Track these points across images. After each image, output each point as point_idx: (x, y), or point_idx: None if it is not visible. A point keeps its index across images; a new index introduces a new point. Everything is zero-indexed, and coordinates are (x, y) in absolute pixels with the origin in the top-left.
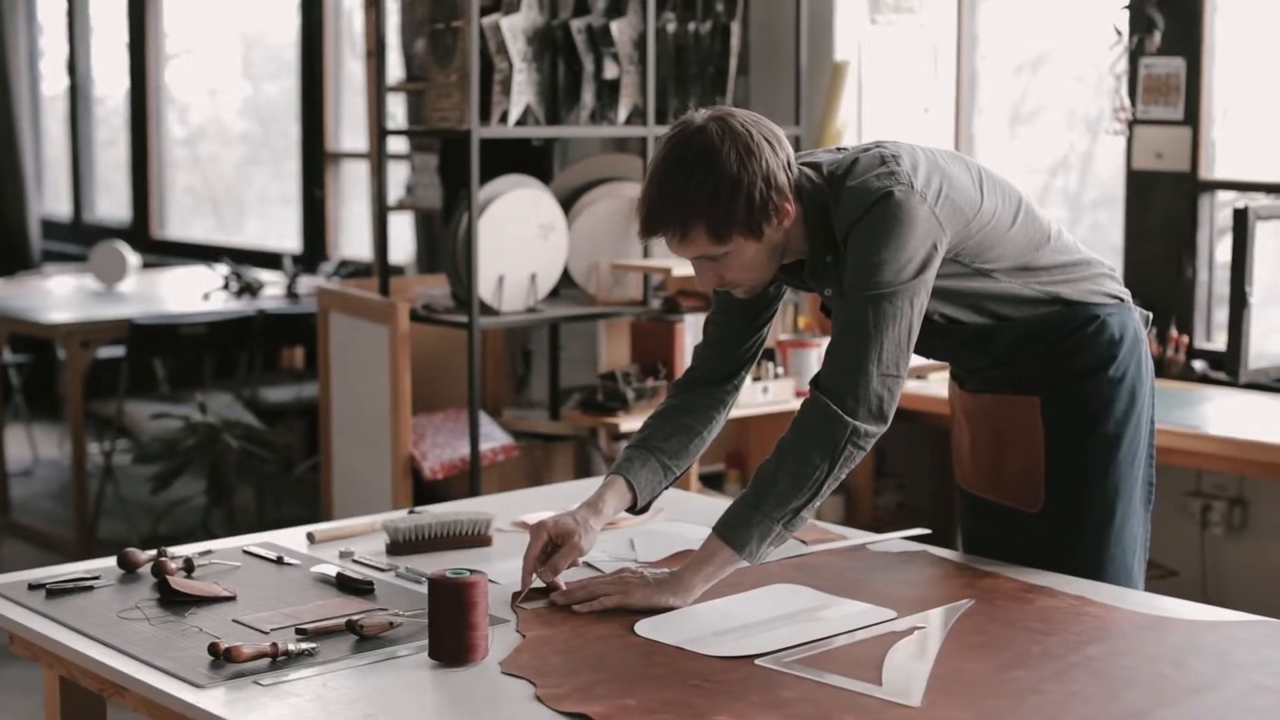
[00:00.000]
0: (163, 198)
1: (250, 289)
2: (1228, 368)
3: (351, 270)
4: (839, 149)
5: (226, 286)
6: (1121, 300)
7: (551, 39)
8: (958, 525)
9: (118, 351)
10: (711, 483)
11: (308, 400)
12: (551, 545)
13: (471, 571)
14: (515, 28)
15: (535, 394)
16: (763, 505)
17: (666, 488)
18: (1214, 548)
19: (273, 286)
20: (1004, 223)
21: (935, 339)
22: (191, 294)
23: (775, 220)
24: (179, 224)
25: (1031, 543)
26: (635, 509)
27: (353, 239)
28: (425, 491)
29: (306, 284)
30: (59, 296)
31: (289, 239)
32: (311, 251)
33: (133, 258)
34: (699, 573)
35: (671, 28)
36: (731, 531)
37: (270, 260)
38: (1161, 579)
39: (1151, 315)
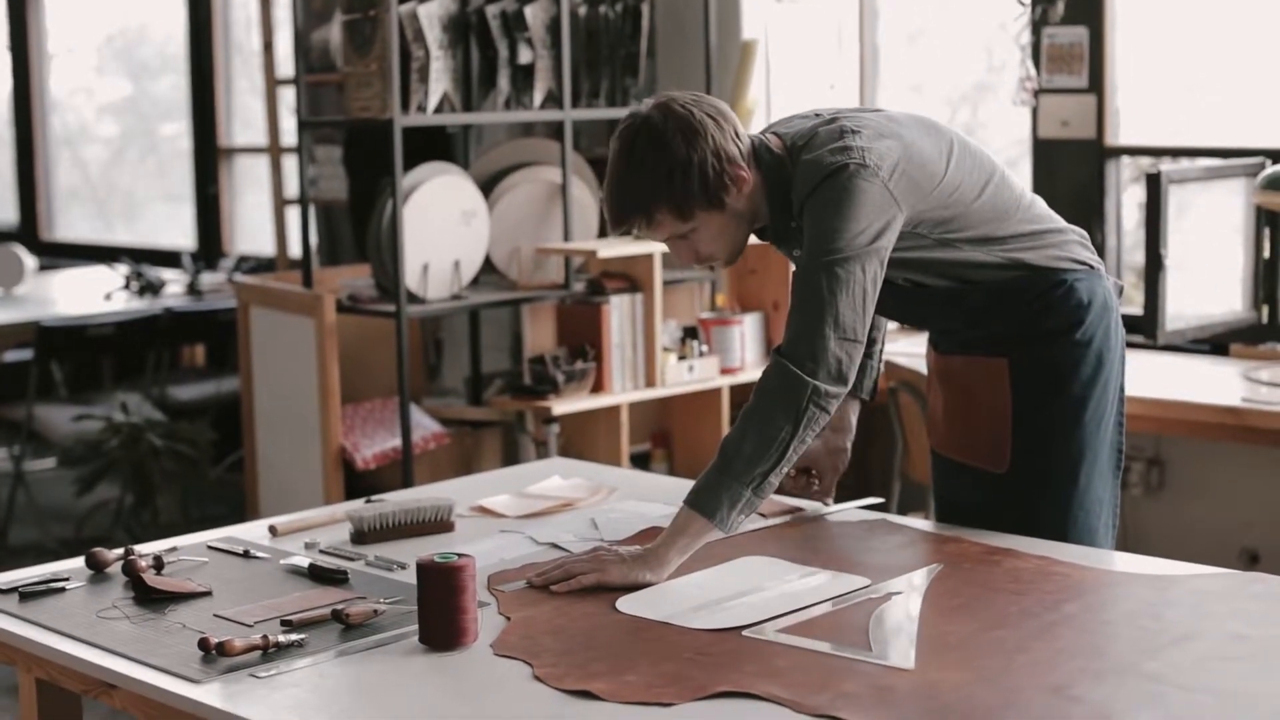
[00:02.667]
0: (49, 199)
1: (152, 288)
2: (1145, 330)
3: (252, 265)
4: (815, 114)
5: (128, 286)
6: (1092, 267)
7: (466, 25)
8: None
9: (25, 355)
10: (639, 462)
11: (224, 396)
12: (797, 472)
13: (458, 555)
14: (432, 15)
15: (448, 381)
16: (730, 472)
17: (877, 369)
18: (1133, 507)
19: (174, 285)
20: (969, 194)
21: (906, 303)
22: (90, 295)
23: (734, 189)
24: (66, 225)
25: (999, 504)
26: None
27: (250, 235)
28: (356, 483)
29: (209, 281)
30: None
31: (183, 237)
32: (208, 248)
33: (30, 260)
34: (673, 546)
35: (583, 11)
36: (702, 501)
37: (166, 258)
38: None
39: (1124, 286)
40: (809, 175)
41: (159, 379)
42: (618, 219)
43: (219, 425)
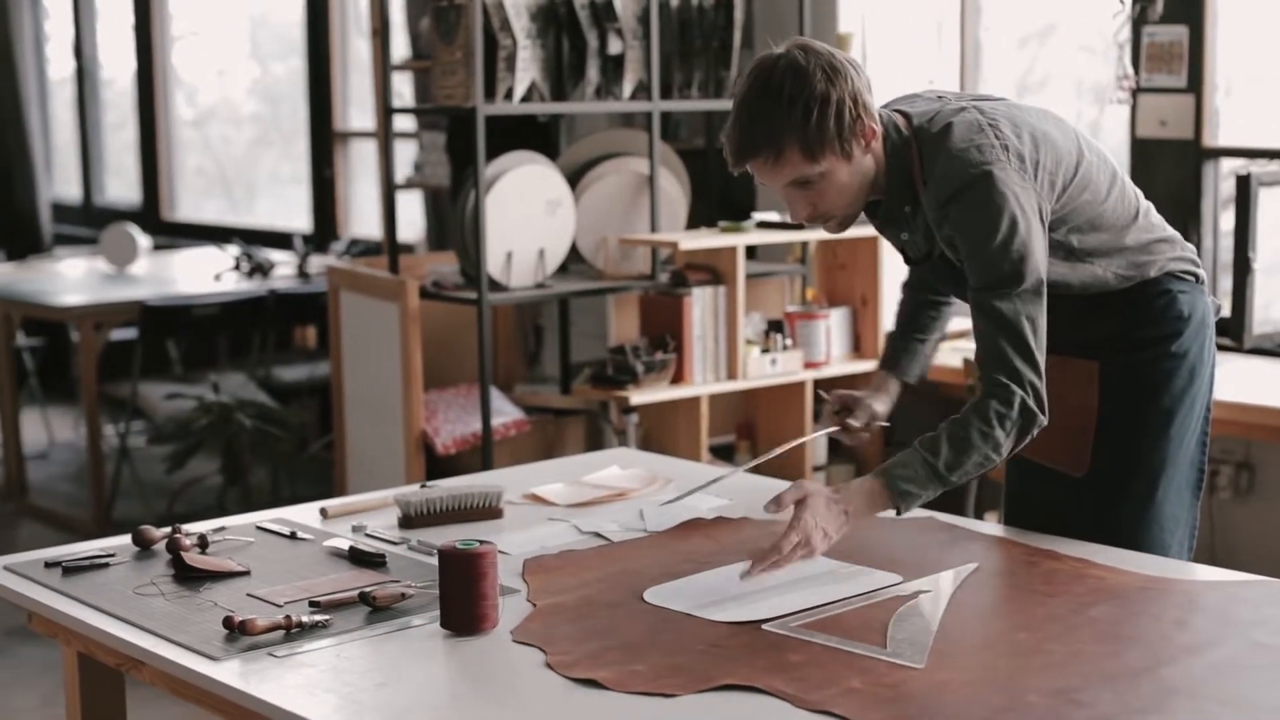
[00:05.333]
0: (172, 179)
1: (261, 269)
2: (1232, 334)
3: (362, 249)
4: (939, 96)
5: (238, 267)
6: (1197, 279)
7: (555, 15)
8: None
9: (131, 334)
10: (722, 453)
11: (320, 379)
12: (840, 406)
13: (481, 543)
14: (519, 4)
15: (547, 369)
16: (938, 478)
17: (930, 357)
18: (1221, 512)
19: (284, 266)
20: (1099, 193)
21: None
22: (203, 275)
23: (863, 141)
24: (189, 205)
25: (1073, 508)
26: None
27: (363, 218)
28: (438, 467)
29: (317, 263)
30: (71, 280)
31: (299, 219)
32: (322, 231)
33: (143, 240)
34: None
35: (675, 2)
36: (903, 496)
37: (281, 240)
38: None
39: (1221, 306)
40: (953, 173)
41: (265, 359)
42: (743, 152)
43: (323, 406)
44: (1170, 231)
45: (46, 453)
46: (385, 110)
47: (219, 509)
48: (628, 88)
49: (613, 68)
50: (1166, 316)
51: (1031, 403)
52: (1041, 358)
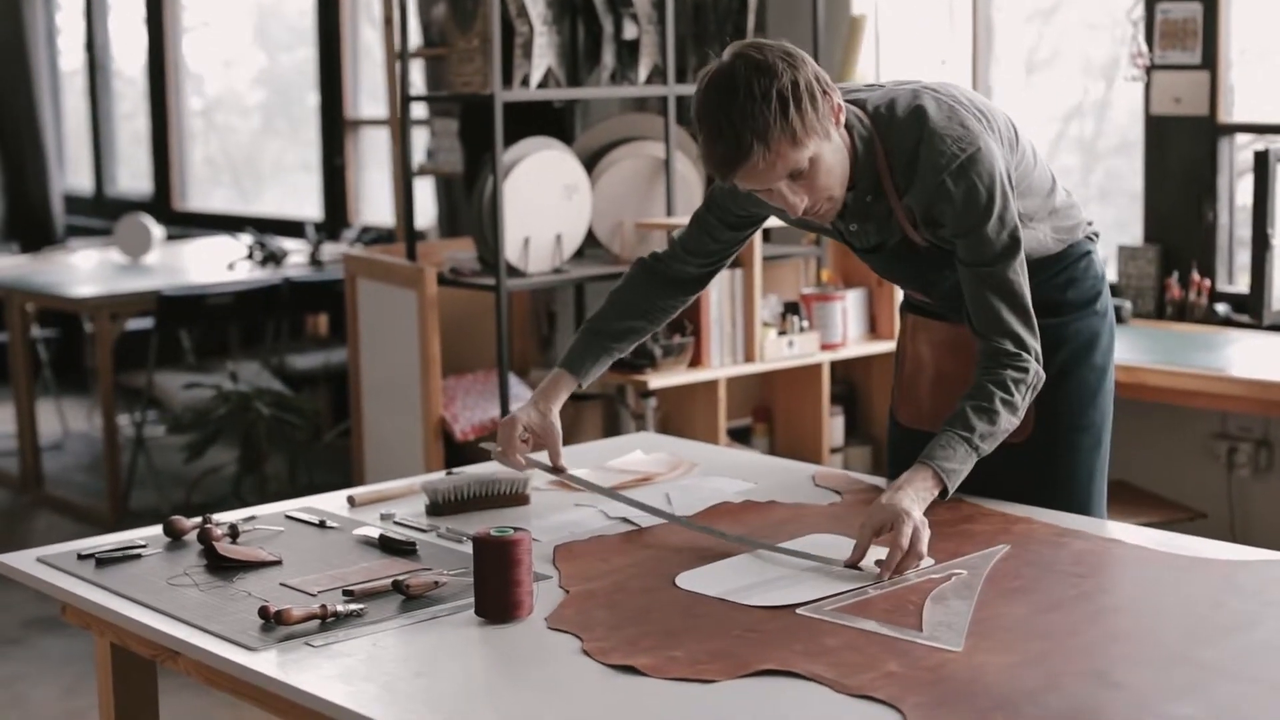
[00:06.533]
0: (183, 169)
1: (274, 258)
2: (1251, 310)
3: (374, 236)
4: (871, 86)
5: (251, 256)
6: (1097, 237)
7: (570, 1)
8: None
9: (146, 324)
10: (739, 437)
11: (335, 367)
12: (528, 434)
13: (515, 529)
14: None
15: (560, 354)
16: (973, 446)
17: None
18: (1241, 489)
19: (296, 255)
20: (1028, 157)
21: (922, 268)
22: (216, 264)
23: (834, 119)
24: (199, 195)
25: (1015, 471)
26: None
27: (374, 205)
28: (456, 453)
29: (330, 251)
30: (84, 271)
31: (310, 207)
32: (333, 219)
33: (157, 230)
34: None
35: None
36: (949, 473)
37: (293, 229)
38: (1190, 521)
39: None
40: (945, 152)
41: (278, 348)
42: (735, 157)
43: (337, 394)
44: (1074, 196)
45: (61, 443)
46: (404, 98)
47: (236, 498)
48: (643, 72)
49: (628, 53)
50: (1089, 276)
51: (1039, 365)
52: (1033, 316)
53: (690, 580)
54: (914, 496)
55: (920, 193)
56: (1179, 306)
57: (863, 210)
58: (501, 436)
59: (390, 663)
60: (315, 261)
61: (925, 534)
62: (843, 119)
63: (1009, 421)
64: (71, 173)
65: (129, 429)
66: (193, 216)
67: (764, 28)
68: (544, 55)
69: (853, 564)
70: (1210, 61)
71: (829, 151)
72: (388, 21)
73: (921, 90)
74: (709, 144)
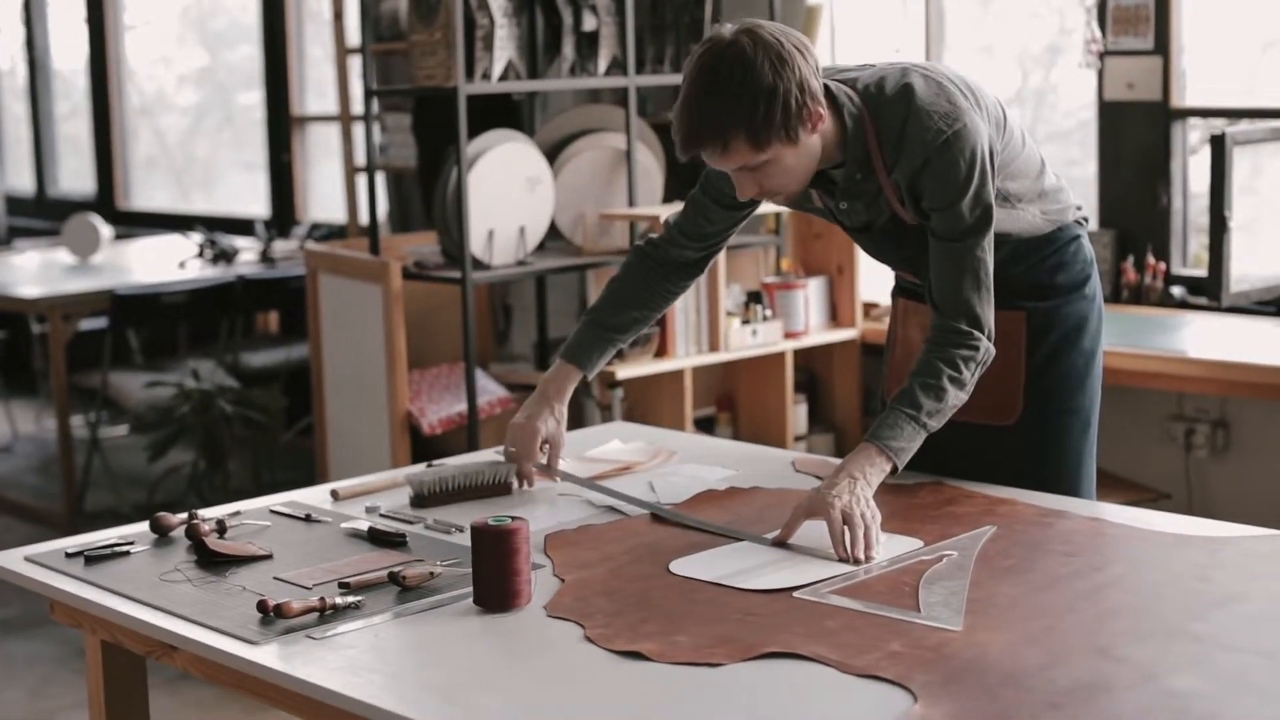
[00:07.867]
0: (126, 169)
1: (226, 255)
2: (1209, 292)
3: (324, 233)
4: (862, 66)
5: (202, 254)
6: (1086, 221)
7: None
8: None
9: (99, 324)
10: (703, 426)
11: (294, 362)
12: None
13: (513, 518)
14: None
15: (517, 347)
16: (919, 424)
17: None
18: (1199, 470)
19: (247, 252)
20: (1016, 137)
21: (918, 249)
22: (165, 263)
23: (810, 125)
24: (143, 195)
25: (1004, 455)
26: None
27: (322, 202)
28: (423, 448)
29: (281, 248)
30: (31, 271)
31: (257, 204)
32: (281, 216)
33: (106, 230)
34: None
35: None
36: (895, 450)
37: (240, 226)
38: (1154, 502)
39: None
40: (931, 128)
41: (232, 346)
42: (691, 142)
43: (291, 391)
44: (1062, 180)
45: (10, 446)
46: (366, 92)
47: (199, 498)
48: (602, 64)
49: (587, 44)
50: (1078, 260)
51: (990, 343)
52: (992, 294)
53: (684, 566)
54: (857, 478)
55: (906, 166)
56: (1134, 290)
57: (852, 188)
58: (520, 446)
59: (394, 654)
60: (267, 259)
61: (870, 517)
62: (821, 126)
63: (957, 398)
64: (12, 173)
65: (81, 430)
66: (137, 216)
67: (720, 19)
68: (504, 48)
69: (779, 542)
70: (1163, 47)
71: (791, 155)
72: (337, 17)
73: (910, 69)
74: (677, 116)
